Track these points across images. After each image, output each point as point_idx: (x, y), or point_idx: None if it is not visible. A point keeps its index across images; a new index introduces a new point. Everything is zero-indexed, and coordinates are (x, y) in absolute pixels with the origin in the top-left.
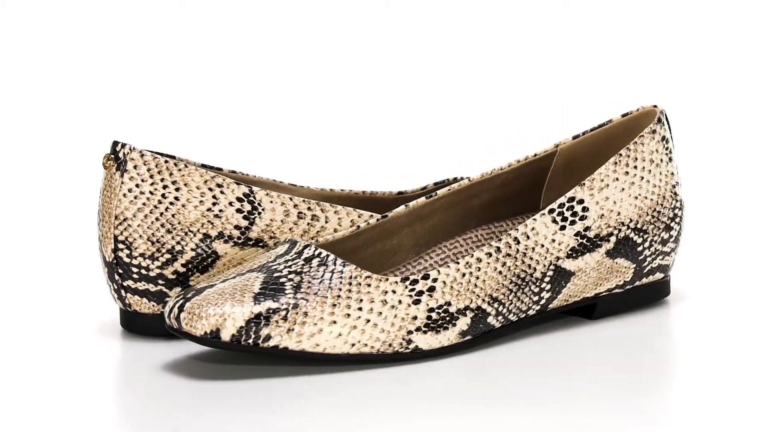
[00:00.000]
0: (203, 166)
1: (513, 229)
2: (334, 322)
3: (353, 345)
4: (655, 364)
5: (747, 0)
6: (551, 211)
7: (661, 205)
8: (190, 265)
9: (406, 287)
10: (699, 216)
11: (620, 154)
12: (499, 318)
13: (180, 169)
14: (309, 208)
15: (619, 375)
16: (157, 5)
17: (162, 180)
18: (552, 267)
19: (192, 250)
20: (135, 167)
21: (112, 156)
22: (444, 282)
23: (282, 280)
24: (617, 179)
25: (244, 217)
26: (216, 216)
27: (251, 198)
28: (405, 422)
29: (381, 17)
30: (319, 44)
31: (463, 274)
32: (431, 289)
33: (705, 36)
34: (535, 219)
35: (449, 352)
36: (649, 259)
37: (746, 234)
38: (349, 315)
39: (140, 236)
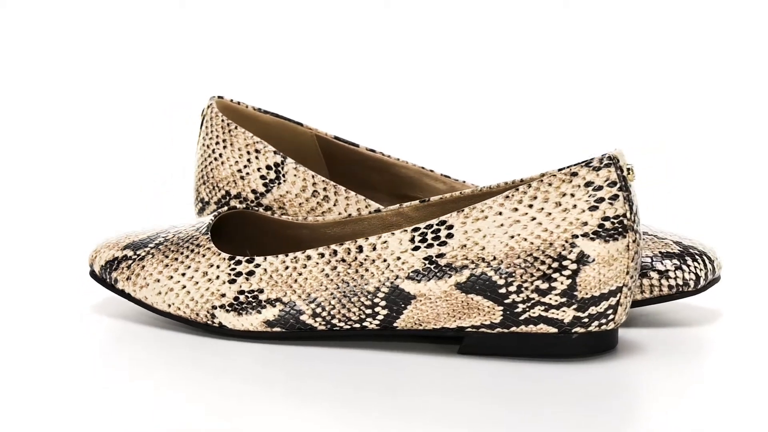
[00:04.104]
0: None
1: (364, 237)
2: (158, 281)
3: (169, 306)
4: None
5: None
6: (416, 229)
7: (543, 252)
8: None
9: (229, 265)
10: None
11: (517, 189)
12: (318, 320)
13: (230, 130)
14: (324, 189)
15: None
16: None
17: (217, 137)
18: (388, 284)
19: (215, 203)
20: (205, 122)
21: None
22: (265, 269)
23: (162, 234)
24: (500, 213)
25: (264, 184)
26: (241, 177)
27: (279, 168)
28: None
29: (380, 18)
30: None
31: (287, 267)
32: (251, 272)
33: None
34: (393, 233)
35: (282, 340)
36: (521, 306)
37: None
38: (171, 277)
39: (194, 184)
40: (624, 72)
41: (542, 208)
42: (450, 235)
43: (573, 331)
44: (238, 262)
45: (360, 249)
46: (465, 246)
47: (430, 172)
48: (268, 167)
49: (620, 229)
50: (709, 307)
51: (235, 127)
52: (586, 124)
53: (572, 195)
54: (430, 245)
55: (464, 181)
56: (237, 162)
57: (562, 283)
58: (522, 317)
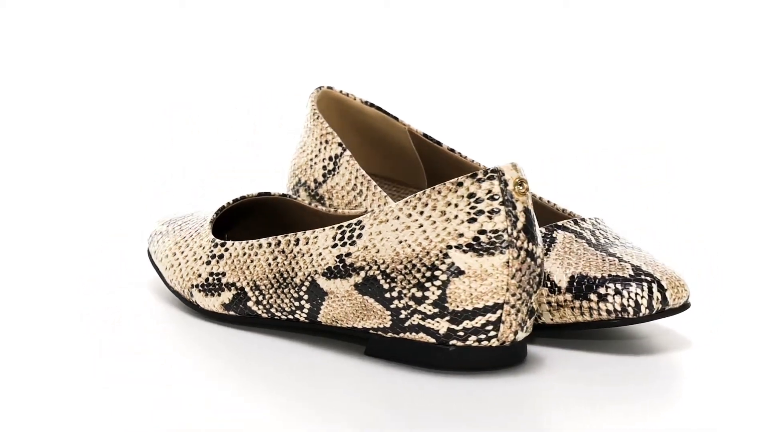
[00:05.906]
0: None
1: (302, 231)
2: (167, 256)
3: (170, 280)
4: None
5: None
6: (340, 227)
7: (420, 259)
8: None
9: (210, 248)
10: None
11: (415, 195)
12: (260, 308)
13: (314, 120)
14: (362, 183)
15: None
16: None
17: (306, 126)
18: (309, 278)
19: (291, 189)
20: (306, 111)
21: None
22: (230, 254)
23: (196, 214)
24: (398, 218)
25: (323, 174)
26: (310, 166)
27: (337, 160)
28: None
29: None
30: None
31: (245, 253)
32: (221, 256)
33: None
34: (324, 229)
35: (243, 324)
36: (403, 312)
37: None
38: (174, 254)
39: None
40: (624, 72)
41: (430, 216)
42: (360, 236)
43: (450, 343)
44: (216, 245)
45: (297, 242)
46: (366, 247)
47: None
48: (330, 158)
49: (497, 244)
50: (676, 332)
51: (317, 117)
52: (586, 124)
53: (456, 205)
54: (345, 244)
55: None
56: (312, 151)
57: (433, 293)
58: (406, 324)
